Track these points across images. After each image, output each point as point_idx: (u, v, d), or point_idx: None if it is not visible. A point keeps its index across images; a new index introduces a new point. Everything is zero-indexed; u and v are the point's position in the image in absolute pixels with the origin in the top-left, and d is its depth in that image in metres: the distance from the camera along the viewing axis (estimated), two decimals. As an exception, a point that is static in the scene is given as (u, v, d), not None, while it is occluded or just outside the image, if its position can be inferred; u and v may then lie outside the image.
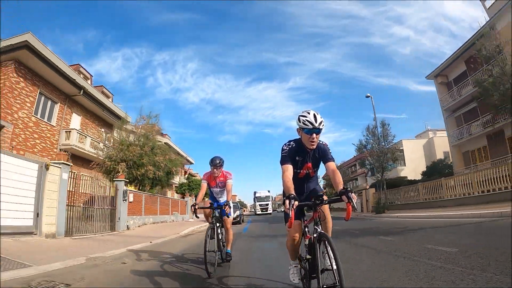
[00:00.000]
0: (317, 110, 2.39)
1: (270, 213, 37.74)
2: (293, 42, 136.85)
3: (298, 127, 2.42)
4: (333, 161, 2.50)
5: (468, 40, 19.49)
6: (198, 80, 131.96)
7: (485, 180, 12.43)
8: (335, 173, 2.35)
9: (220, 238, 4.18)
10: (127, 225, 12.04)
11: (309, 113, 2.34)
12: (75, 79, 15.41)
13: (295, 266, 2.69)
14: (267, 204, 38.30)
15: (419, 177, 25.10)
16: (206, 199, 6.99)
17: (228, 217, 4.45)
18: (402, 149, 29.36)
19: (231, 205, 4.58)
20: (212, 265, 3.67)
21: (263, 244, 7.20)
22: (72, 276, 3.80)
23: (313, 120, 2.28)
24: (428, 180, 18.25)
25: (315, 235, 2.18)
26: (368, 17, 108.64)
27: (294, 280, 2.68)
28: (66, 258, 4.75)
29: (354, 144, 22.88)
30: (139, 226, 13.56)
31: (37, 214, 7.00)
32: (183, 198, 27.06)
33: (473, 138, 20.12)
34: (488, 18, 17.74)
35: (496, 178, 11.84)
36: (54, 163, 8.05)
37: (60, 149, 15.03)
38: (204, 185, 4.51)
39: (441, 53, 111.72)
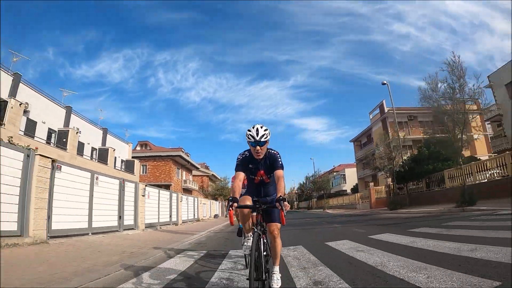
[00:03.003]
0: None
1: None
2: (292, 40, 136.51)
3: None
4: (282, 169, 2.57)
5: (367, 127, 39.09)
6: (199, 80, 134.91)
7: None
8: (280, 180, 2.47)
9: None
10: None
11: (253, 128, 2.49)
12: (189, 161, 35.54)
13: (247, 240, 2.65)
14: None
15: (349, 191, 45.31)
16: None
17: None
18: (344, 174, 49.68)
19: None
20: None
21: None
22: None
23: (255, 135, 2.45)
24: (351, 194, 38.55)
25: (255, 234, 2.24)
26: (367, 14, 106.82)
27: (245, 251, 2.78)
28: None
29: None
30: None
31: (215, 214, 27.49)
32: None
33: (367, 176, 40.01)
34: (369, 124, 37.42)
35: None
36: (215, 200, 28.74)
37: (182, 188, 35.17)
38: None
39: (442, 50, 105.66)
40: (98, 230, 6.91)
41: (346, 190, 46.67)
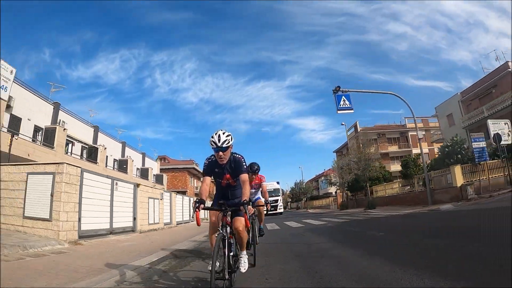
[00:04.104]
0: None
1: (281, 213, 29.75)
2: (289, 41, 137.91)
3: None
4: (246, 173, 2.77)
5: (344, 142, 47.91)
6: (197, 80, 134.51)
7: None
8: (244, 185, 2.65)
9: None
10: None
11: (216, 134, 2.64)
12: (200, 171, 43.93)
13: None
14: (277, 201, 29.56)
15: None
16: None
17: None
18: (330, 178, 58.69)
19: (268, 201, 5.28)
20: None
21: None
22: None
23: (216, 141, 2.60)
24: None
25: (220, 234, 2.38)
26: (364, 14, 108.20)
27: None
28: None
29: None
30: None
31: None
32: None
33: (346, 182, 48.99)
34: (347, 140, 46.19)
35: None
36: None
37: (194, 193, 43.59)
38: None
39: (437, 49, 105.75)
40: (177, 223, 15.35)
41: (332, 193, 55.49)
